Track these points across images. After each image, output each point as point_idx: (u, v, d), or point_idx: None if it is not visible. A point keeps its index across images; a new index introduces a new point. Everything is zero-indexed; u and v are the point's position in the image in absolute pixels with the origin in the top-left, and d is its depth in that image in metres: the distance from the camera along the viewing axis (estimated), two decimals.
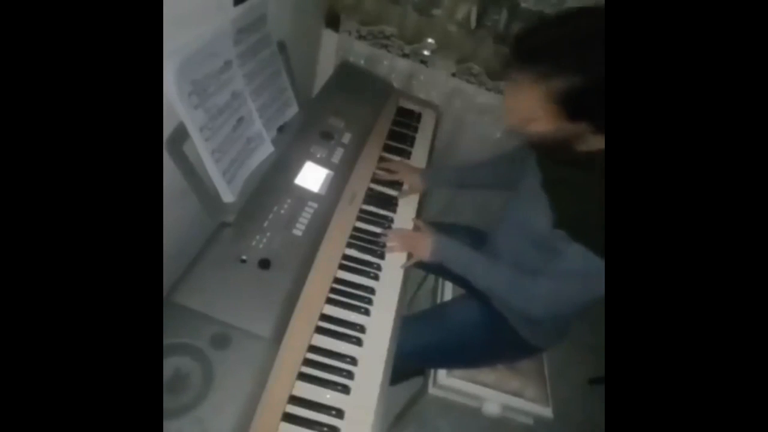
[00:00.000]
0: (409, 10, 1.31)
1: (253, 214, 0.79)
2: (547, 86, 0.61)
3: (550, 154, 0.76)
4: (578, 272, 0.72)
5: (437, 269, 1.17)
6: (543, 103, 0.63)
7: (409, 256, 0.92)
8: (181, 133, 0.68)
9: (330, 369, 0.71)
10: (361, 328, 0.78)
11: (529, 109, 0.65)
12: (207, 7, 0.71)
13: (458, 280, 1.13)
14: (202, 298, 0.65)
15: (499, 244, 0.92)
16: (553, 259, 0.75)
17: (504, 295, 0.84)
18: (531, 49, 0.63)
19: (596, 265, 0.67)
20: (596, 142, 0.67)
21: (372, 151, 1.06)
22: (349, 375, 0.71)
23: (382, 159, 1.09)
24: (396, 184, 1.07)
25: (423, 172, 1.08)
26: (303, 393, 0.67)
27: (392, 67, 1.43)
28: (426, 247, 0.90)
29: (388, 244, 0.92)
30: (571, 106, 0.62)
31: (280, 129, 0.96)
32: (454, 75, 1.40)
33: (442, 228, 1.00)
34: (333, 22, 1.40)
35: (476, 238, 1.05)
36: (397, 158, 1.13)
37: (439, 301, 1.15)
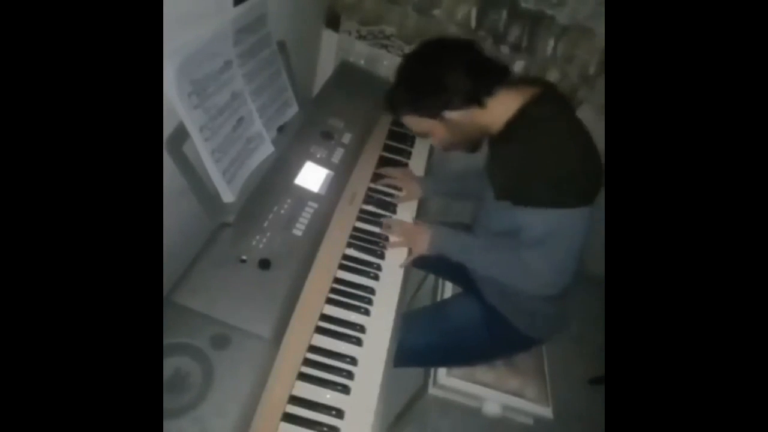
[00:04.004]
0: (409, 10, 1.31)
1: (253, 214, 0.79)
2: (405, 117, 0.84)
3: (472, 148, 0.89)
4: (548, 232, 0.74)
5: (437, 268, 1.17)
6: (421, 123, 0.83)
7: (409, 252, 0.92)
8: (181, 133, 0.68)
9: (330, 369, 0.71)
10: (361, 328, 0.78)
11: (423, 130, 0.85)
12: (207, 7, 0.71)
13: (458, 279, 1.13)
14: (202, 298, 0.65)
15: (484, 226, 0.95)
16: (520, 236, 0.77)
17: (505, 277, 0.84)
18: (386, 105, 0.86)
19: (556, 216, 0.71)
20: (480, 114, 0.78)
21: (372, 151, 1.06)
22: (349, 375, 0.71)
23: (381, 159, 1.09)
24: (395, 188, 1.06)
25: (422, 181, 1.08)
26: (303, 393, 0.67)
27: (392, 67, 1.42)
28: (424, 240, 0.90)
29: (391, 238, 0.92)
30: (425, 113, 0.81)
31: (280, 129, 0.95)
32: None
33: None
34: (333, 22, 1.40)
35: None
36: (398, 158, 1.13)
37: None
